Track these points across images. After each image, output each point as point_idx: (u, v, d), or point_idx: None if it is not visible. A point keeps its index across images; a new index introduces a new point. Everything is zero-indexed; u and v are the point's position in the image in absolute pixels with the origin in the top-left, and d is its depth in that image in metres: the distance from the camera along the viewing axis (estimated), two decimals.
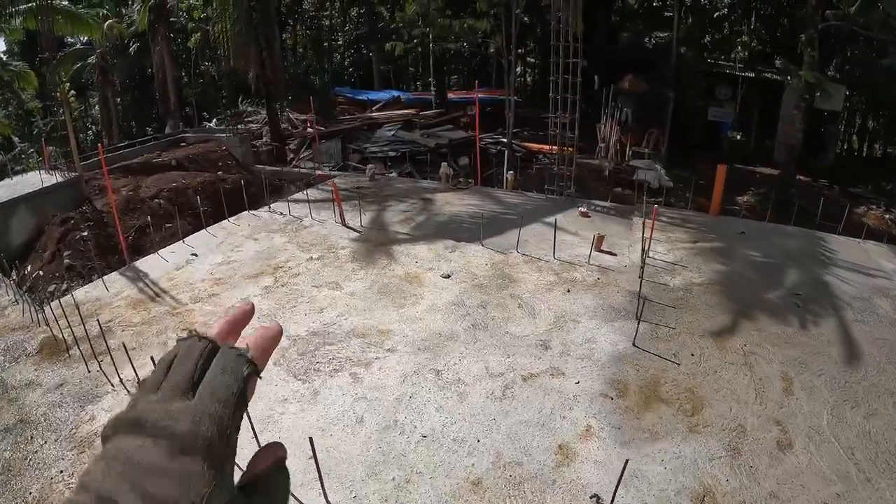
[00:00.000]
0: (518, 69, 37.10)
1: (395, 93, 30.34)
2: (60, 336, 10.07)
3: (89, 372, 9.30)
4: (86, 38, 31.49)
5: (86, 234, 13.46)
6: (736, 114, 28.38)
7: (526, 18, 25.29)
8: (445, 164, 19.11)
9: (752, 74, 27.01)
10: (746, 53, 29.28)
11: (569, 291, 10.46)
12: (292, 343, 9.47)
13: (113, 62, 30.32)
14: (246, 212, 14.81)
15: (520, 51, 34.35)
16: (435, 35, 25.45)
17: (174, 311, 10.58)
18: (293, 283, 11.19)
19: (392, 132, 24.00)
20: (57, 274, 12.71)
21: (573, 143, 17.61)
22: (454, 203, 15.00)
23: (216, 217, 14.89)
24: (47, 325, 10.52)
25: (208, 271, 11.88)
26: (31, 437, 8.04)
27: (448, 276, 11.12)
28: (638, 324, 8.90)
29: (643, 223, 12.01)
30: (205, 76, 32.24)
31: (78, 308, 11.10)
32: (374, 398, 7.69)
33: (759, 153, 26.95)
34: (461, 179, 17.42)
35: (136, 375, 8.45)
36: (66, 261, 12.80)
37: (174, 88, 26.78)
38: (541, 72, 36.95)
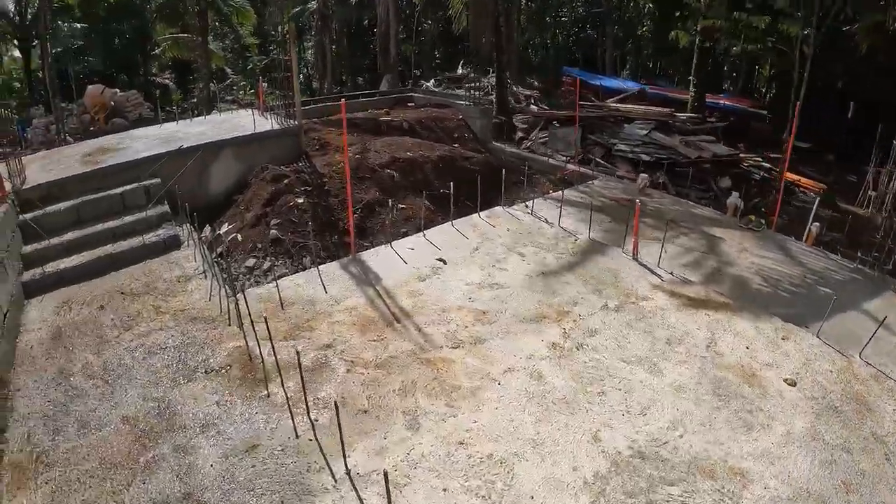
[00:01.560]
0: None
1: (630, 83, 25.40)
2: (258, 353, 6.57)
3: (297, 437, 5.61)
4: None
5: (301, 200, 10.03)
6: None
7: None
8: (736, 193, 14.28)
9: None
10: None
11: None
12: (612, 467, 5.34)
13: (333, 9, 27.76)
14: (500, 208, 10.85)
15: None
16: (725, 30, 20.34)
17: (423, 357, 6.81)
18: (591, 347, 7.13)
19: (645, 132, 19.27)
20: (259, 245, 9.39)
21: None
22: (750, 251, 10.30)
23: (458, 206, 11.09)
24: (240, 325, 7.10)
25: (465, 294, 8.02)
26: None
27: (794, 385, 6.69)
28: None
29: None
30: (425, 34, 29.01)
31: (283, 306, 7.61)
32: None
33: None
34: (751, 218, 12.54)
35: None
36: (273, 231, 9.44)
37: (395, 43, 23.57)
38: (781, 86, 30.45)
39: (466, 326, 7.46)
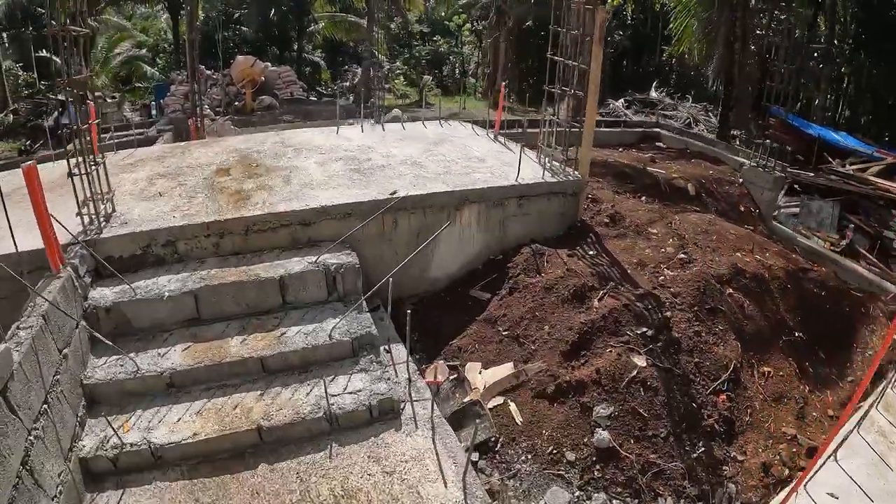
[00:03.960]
0: None
1: (852, 140, 18.52)
2: None
3: None
4: None
5: (643, 364, 4.61)
6: None
7: None
8: None
9: None
10: None
11: None
12: None
13: (511, 5, 22.26)
14: None
15: None
16: None
17: None
18: None
19: None
20: (568, 454, 4.12)
21: None
22: None
23: (810, 360, 5.58)
24: None
25: None
26: None
27: None
28: None
29: None
30: (616, 47, 22.98)
31: None
32: None
33: None
34: None
35: None
36: (602, 433, 4.01)
37: None
38: None
39: None
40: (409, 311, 4.28)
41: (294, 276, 4.87)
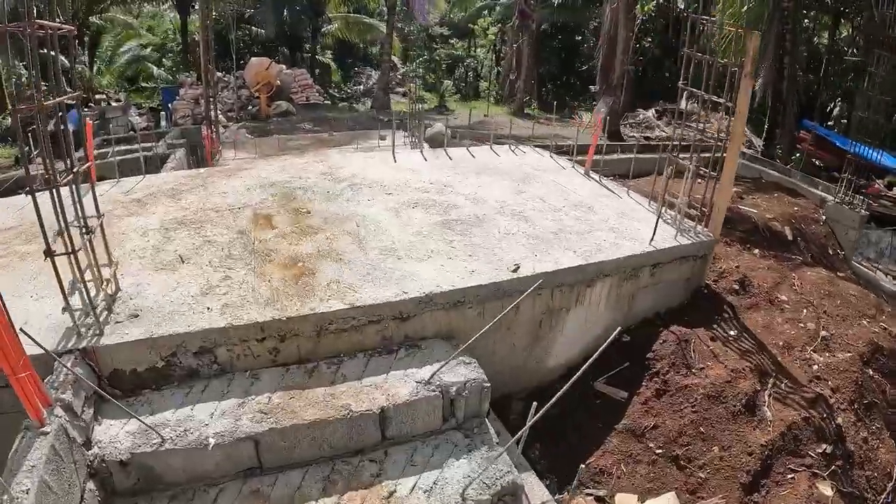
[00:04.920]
0: None
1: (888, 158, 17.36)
2: None
3: None
4: None
5: (829, 492, 3.75)
6: None
7: None
8: None
9: None
10: None
11: None
12: None
13: (534, 8, 20.88)
14: None
15: None
16: None
17: None
18: None
19: None
20: None
21: None
22: None
23: None
24: None
25: None
26: None
27: None
28: None
29: None
30: (645, 54, 21.58)
31: None
32: None
33: None
34: None
35: None
36: None
37: (623, 59, 16.42)
38: None
39: None
40: (581, 466, 2.99)
41: (400, 406, 3.46)
